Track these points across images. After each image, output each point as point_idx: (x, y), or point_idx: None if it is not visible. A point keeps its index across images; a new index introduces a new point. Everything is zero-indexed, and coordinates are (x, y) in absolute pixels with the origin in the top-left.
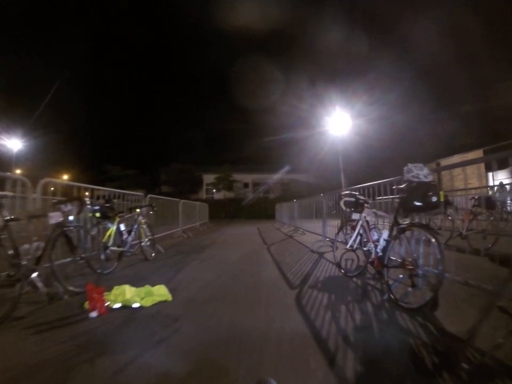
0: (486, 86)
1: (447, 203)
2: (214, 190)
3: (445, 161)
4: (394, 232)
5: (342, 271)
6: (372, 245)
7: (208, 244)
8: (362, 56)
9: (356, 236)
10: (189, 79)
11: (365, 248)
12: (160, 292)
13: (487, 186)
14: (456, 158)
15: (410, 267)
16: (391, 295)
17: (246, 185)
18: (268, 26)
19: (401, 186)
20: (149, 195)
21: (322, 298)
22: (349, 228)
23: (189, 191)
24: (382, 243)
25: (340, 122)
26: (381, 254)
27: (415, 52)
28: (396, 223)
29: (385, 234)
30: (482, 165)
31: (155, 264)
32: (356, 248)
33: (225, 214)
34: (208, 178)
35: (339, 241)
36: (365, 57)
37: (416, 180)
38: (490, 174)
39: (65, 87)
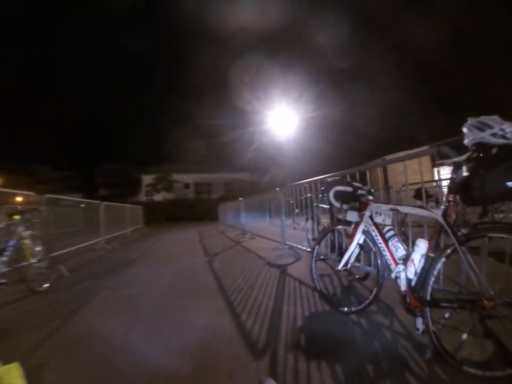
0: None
1: None
2: (154, 192)
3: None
4: (445, 244)
5: (329, 302)
6: (395, 267)
7: (134, 258)
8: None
9: (353, 250)
10: (125, 71)
11: (369, 269)
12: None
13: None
14: (402, 153)
15: (485, 303)
16: (444, 352)
17: (187, 185)
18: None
19: (458, 158)
20: (48, 195)
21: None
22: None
23: (128, 194)
24: (417, 263)
25: (283, 119)
26: (415, 282)
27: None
28: (449, 226)
29: (422, 246)
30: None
31: (41, 301)
32: (347, 267)
33: (166, 216)
34: (148, 179)
35: (320, 258)
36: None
37: (501, 141)
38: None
39: None
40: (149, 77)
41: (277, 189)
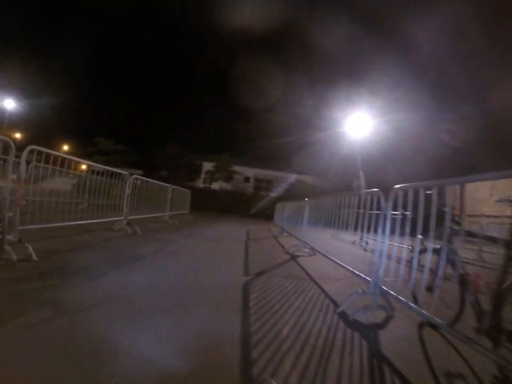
0: None
1: None
2: (212, 180)
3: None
4: None
5: None
6: None
7: (140, 254)
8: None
9: None
10: (201, 65)
11: None
12: None
13: None
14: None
15: None
16: None
17: (247, 179)
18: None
19: None
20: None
21: None
22: None
23: (186, 178)
24: None
25: (354, 125)
26: None
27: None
28: None
29: None
30: None
31: None
32: None
33: (218, 207)
34: (208, 166)
35: None
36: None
37: None
38: None
39: (68, 55)
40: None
41: (376, 189)
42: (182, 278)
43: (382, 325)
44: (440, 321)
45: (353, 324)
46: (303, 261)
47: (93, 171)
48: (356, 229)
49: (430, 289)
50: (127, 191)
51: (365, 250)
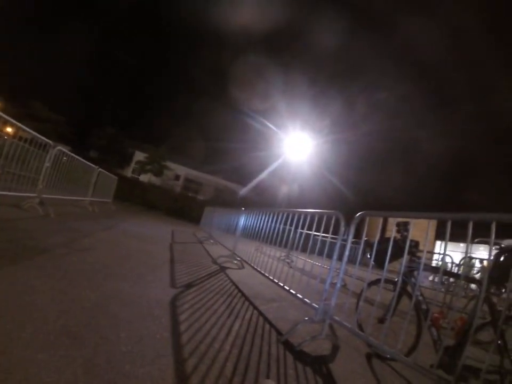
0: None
1: None
2: (141, 171)
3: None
4: None
5: None
6: None
7: (43, 246)
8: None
9: None
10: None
11: None
12: None
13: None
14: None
15: None
16: None
17: (177, 177)
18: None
19: None
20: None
21: None
22: None
23: (115, 164)
24: None
25: (295, 147)
26: None
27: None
28: None
29: None
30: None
31: None
32: None
33: (144, 200)
34: (140, 156)
35: None
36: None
37: None
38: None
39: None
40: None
41: (333, 211)
42: (94, 285)
43: (331, 357)
44: (392, 350)
45: (301, 356)
46: (233, 274)
47: (15, 135)
48: (285, 246)
49: (381, 321)
50: (47, 163)
51: (291, 267)
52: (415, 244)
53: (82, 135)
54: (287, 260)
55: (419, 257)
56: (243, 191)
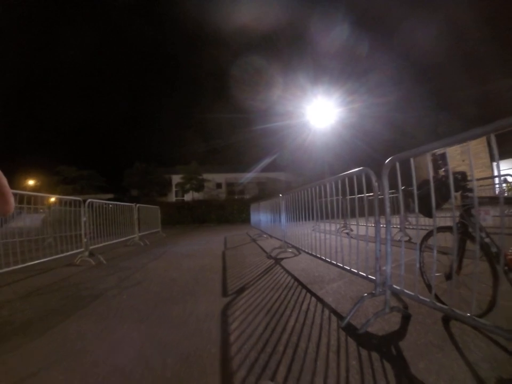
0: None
1: None
2: (183, 192)
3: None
4: None
5: None
6: None
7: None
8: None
9: None
10: (153, 74)
11: None
12: None
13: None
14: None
15: None
16: None
17: (219, 185)
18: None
19: None
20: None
21: None
22: None
23: (158, 194)
24: None
25: (319, 113)
26: None
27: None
28: None
29: None
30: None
31: None
32: None
33: (193, 218)
34: (177, 179)
35: None
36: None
37: None
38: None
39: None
40: (172, 76)
41: (362, 168)
42: (144, 316)
43: (401, 333)
44: (463, 314)
45: (365, 340)
46: (288, 263)
47: (55, 203)
48: (338, 217)
49: (449, 277)
50: (83, 218)
51: (352, 237)
52: (461, 176)
53: (118, 180)
54: (345, 231)
55: (471, 190)
56: (285, 176)
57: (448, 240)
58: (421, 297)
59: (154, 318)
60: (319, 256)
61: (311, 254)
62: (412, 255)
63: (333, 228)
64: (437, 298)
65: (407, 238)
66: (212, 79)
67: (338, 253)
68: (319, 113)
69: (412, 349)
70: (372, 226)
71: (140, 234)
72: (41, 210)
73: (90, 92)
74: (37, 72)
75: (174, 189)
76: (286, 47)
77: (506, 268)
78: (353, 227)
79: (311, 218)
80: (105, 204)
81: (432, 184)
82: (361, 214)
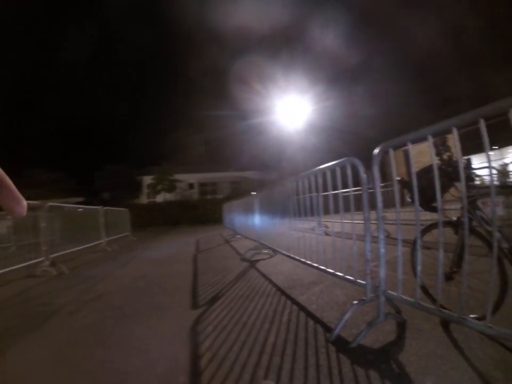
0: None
1: None
2: (154, 193)
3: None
4: None
5: None
6: None
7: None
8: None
9: None
10: (119, 70)
11: None
12: None
13: None
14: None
15: None
16: None
17: (191, 185)
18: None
19: None
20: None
21: None
22: None
23: (130, 196)
24: None
25: (292, 111)
26: None
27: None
28: None
29: None
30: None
31: None
32: None
33: (165, 220)
34: (149, 180)
35: None
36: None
37: None
38: None
39: None
40: (144, 74)
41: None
42: (100, 339)
43: (399, 343)
44: (466, 318)
45: (359, 356)
46: (264, 266)
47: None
48: (318, 214)
49: (449, 277)
50: (42, 224)
51: (327, 234)
52: (466, 164)
53: (89, 182)
54: (320, 228)
55: (476, 179)
56: (257, 175)
57: (448, 237)
58: (422, 303)
59: (113, 340)
60: (297, 258)
61: (288, 256)
62: (393, 252)
63: (311, 226)
64: (433, 299)
65: (386, 234)
66: (182, 78)
67: (320, 254)
68: (291, 110)
69: (415, 363)
70: (359, 223)
71: (107, 239)
72: (8, 217)
73: (61, 92)
74: None
75: (145, 190)
76: (256, 44)
77: None
78: (333, 224)
79: (287, 217)
80: (67, 207)
81: (436, 171)
82: (346, 210)
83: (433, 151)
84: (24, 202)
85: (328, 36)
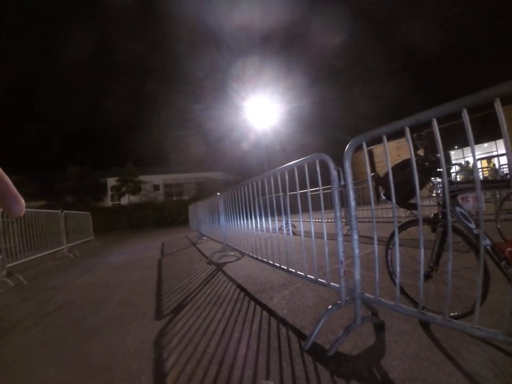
0: None
1: None
2: (119, 195)
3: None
4: None
5: None
6: None
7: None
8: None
9: None
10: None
11: None
12: None
13: None
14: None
15: None
16: None
17: (156, 187)
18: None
19: None
20: None
21: None
22: None
23: (93, 199)
24: None
25: (259, 111)
26: None
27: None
28: None
29: None
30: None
31: None
32: None
33: (130, 223)
34: (112, 182)
35: None
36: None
37: None
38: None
39: None
40: (107, 75)
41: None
42: (59, 358)
43: (379, 348)
44: (442, 318)
45: (338, 365)
46: (231, 269)
47: None
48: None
49: (428, 275)
50: None
51: (295, 233)
52: (445, 159)
53: (50, 185)
54: (287, 228)
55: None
56: (223, 175)
57: (424, 234)
58: (404, 306)
59: (72, 359)
60: (265, 260)
61: (256, 258)
62: (363, 249)
63: (277, 226)
64: (412, 300)
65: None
66: (148, 78)
67: (289, 255)
68: (258, 110)
69: (399, 368)
70: (330, 222)
71: (69, 245)
72: None
73: (17, 92)
74: None
75: (109, 192)
76: (224, 43)
77: (504, 262)
78: (301, 223)
79: (253, 217)
80: (25, 212)
81: (414, 167)
82: (314, 209)
83: (411, 145)
84: (23, 202)
85: (296, 37)
